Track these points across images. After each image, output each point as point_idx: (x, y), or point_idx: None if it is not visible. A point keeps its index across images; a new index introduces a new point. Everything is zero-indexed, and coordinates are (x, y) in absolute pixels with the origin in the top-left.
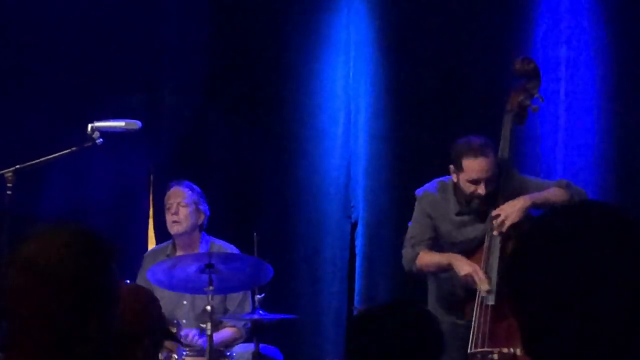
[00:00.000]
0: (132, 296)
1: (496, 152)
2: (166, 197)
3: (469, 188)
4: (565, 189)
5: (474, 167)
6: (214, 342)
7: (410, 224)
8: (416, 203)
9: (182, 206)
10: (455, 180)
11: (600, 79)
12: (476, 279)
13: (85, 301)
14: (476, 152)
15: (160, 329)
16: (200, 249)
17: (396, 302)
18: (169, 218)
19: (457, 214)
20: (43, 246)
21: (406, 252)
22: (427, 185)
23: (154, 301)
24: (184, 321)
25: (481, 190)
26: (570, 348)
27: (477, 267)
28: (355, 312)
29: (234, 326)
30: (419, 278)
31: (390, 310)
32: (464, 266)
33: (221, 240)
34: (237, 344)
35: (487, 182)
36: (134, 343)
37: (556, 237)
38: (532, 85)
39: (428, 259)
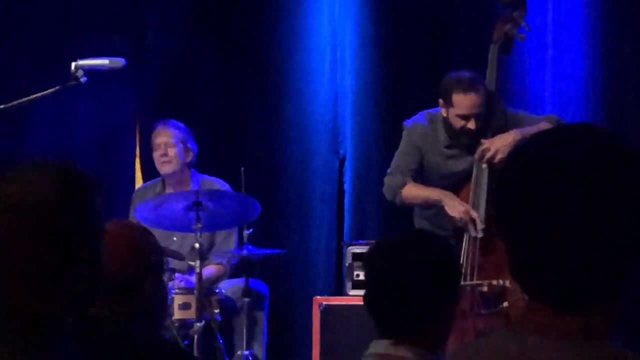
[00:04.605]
0: (124, 237)
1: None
2: (152, 137)
3: (458, 123)
4: (555, 124)
5: (463, 102)
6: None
7: (397, 154)
8: (404, 134)
9: (170, 146)
10: (444, 114)
11: (588, 9)
12: (469, 220)
13: (72, 239)
14: (466, 88)
15: (159, 260)
16: (191, 187)
17: (416, 233)
18: (158, 159)
19: (447, 147)
20: (24, 185)
21: (392, 179)
22: (415, 116)
23: (146, 234)
24: None
25: (471, 125)
26: (557, 272)
27: (470, 208)
28: (345, 247)
29: (219, 263)
30: (403, 208)
31: (411, 240)
32: (456, 205)
33: (212, 177)
34: (222, 281)
35: (477, 117)
36: (139, 282)
37: (540, 159)
38: (518, 14)
39: (415, 191)
